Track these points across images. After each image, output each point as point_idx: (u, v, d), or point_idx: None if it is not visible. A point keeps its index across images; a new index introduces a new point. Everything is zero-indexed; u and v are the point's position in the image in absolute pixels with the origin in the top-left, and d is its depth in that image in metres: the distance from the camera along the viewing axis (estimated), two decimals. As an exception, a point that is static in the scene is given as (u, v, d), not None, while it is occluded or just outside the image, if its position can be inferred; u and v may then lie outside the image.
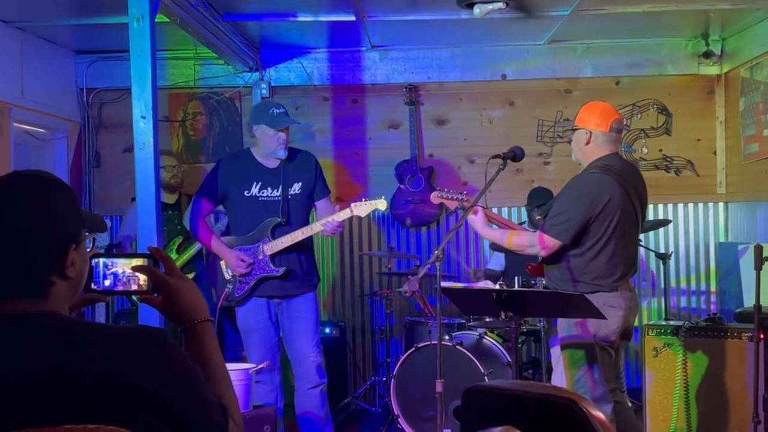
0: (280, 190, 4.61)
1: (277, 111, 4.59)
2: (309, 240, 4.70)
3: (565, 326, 3.90)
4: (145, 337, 1.54)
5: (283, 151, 4.61)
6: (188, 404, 1.54)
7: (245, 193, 4.62)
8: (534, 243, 3.85)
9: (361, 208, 4.52)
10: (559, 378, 4.83)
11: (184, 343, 1.75)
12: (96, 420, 1.40)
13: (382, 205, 4.52)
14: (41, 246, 1.55)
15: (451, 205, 4.05)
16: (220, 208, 4.94)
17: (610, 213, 3.76)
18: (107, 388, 1.46)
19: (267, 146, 4.61)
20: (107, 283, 1.75)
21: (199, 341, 1.75)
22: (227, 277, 4.66)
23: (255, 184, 4.62)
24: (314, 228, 4.53)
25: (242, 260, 4.56)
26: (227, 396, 1.70)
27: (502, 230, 4.10)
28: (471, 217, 3.96)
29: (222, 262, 4.68)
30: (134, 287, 1.76)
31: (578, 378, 3.83)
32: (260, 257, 4.57)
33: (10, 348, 1.48)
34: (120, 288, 1.76)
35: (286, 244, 4.54)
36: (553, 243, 3.79)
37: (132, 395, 1.47)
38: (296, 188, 4.64)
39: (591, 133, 3.91)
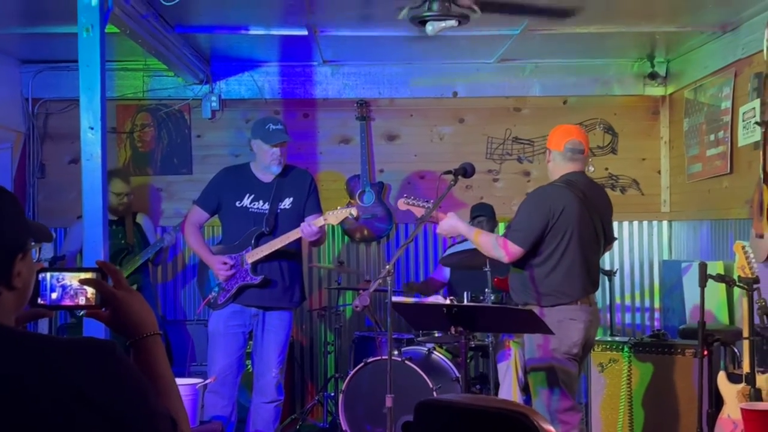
0: (269, 203, 4.67)
1: (274, 127, 4.69)
2: (296, 252, 4.79)
3: (528, 347, 3.97)
4: (94, 348, 1.52)
5: (276, 167, 4.70)
6: (138, 417, 1.52)
7: (237, 203, 4.73)
8: (498, 246, 3.94)
9: (334, 215, 4.58)
10: (506, 393, 4.88)
11: (133, 357, 1.72)
12: (42, 431, 1.36)
13: (354, 211, 4.61)
14: (-13, 256, 1.51)
15: (417, 212, 4.11)
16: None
17: (565, 224, 3.87)
18: (54, 398, 1.42)
19: (262, 161, 4.72)
20: (54, 296, 1.71)
21: (148, 355, 1.72)
22: (213, 284, 4.73)
23: (247, 195, 4.73)
24: (290, 236, 4.57)
25: (224, 263, 4.62)
26: (177, 410, 1.68)
27: (470, 227, 4.19)
28: (441, 218, 4.05)
29: (210, 271, 4.74)
30: (82, 301, 1.72)
31: (545, 394, 3.88)
32: (242, 266, 4.63)
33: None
34: (67, 302, 1.72)
35: (266, 252, 4.60)
36: (514, 249, 3.89)
37: (80, 406, 1.44)
38: (287, 203, 4.73)
39: (550, 152, 4.13)
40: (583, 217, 3.92)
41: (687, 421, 4.56)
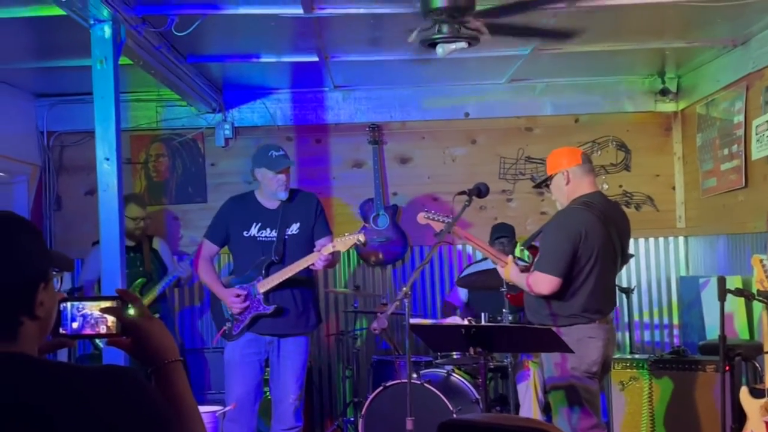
0: (277, 230, 4.66)
1: (276, 154, 4.70)
2: (308, 278, 4.76)
3: (547, 367, 3.94)
4: (117, 375, 1.52)
5: (283, 193, 4.70)
6: (161, 445, 1.52)
7: (244, 233, 4.72)
8: (537, 282, 3.88)
9: (343, 242, 4.56)
10: (527, 413, 4.85)
11: (155, 384, 1.72)
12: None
13: (362, 237, 4.58)
14: (10, 286, 1.52)
15: (437, 227, 4.09)
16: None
17: (590, 247, 3.84)
18: (77, 426, 1.43)
19: (268, 188, 4.72)
20: (75, 325, 1.72)
21: (171, 382, 1.72)
22: (227, 316, 4.71)
23: (254, 224, 4.72)
24: (301, 264, 4.56)
25: (237, 296, 4.61)
26: (199, 436, 1.68)
27: (524, 275, 4.06)
28: (501, 268, 4.02)
29: (222, 302, 4.73)
30: (103, 330, 1.73)
31: (566, 413, 3.85)
32: (255, 296, 4.63)
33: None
34: (88, 331, 1.73)
35: (277, 281, 4.59)
36: (552, 280, 3.83)
37: (105, 436, 1.44)
38: (294, 228, 4.71)
39: (567, 171, 4.04)
40: (605, 238, 3.90)
41: (710, 437, 4.52)
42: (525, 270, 4.03)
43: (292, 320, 4.68)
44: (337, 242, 4.57)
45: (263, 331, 4.68)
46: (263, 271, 4.64)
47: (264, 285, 4.61)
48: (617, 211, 4.16)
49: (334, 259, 4.64)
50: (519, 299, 4.25)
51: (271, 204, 4.75)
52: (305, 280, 4.75)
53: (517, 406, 5.03)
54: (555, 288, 3.85)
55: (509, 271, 4.03)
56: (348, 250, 6.22)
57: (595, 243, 3.85)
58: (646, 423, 4.71)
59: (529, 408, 4.93)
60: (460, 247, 6.45)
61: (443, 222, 4.08)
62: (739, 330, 5.19)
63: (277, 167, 4.65)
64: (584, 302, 3.86)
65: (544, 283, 3.85)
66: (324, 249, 4.54)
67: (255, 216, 4.74)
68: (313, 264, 4.55)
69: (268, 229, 4.71)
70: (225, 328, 4.72)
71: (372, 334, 6.22)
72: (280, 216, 4.72)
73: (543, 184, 4.20)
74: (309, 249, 4.65)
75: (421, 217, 4.21)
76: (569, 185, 4.04)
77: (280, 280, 4.59)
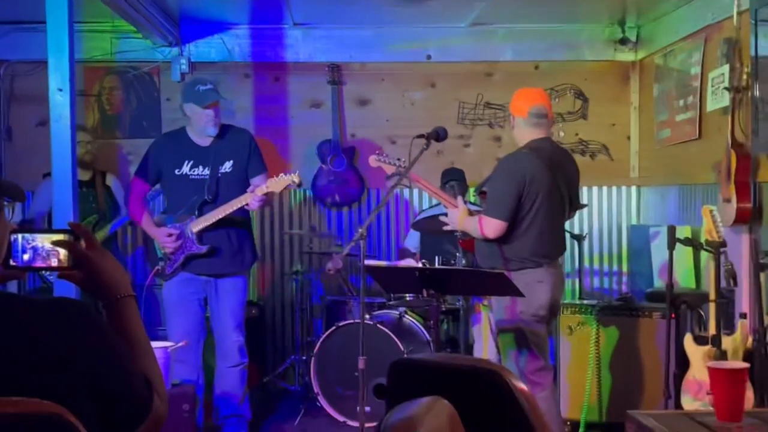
0: (209, 168, 4.57)
1: (204, 88, 4.56)
2: (243, 217, 4.70)
3: (497, 310, 4.00)
4: (68, 308, 1.51)
5: (213, 128, 4.59)
6: (113, 377, 1.52)
7: (176, 171, 4.61)
8: (484, 226, 3.92)
9: (276, 183, 4.46)
10: (479, 353, 4.94)
11: (107, 319, 1.72)
12: (18, 392, 1.36)
13: (296, 178, 4.47)
14: (-41, 215, 1.50)
15: (388, 169, 4.09)
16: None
17: (534, 191, 3.89)
18: (29, 358, 1.42)
19: (197, 124, 4.60)
20: (26, 258, 1.70)
21: (123, 316, 1.72)
22: (159, 255, 4.65)
23: (186, 162, 4.61)
24: (235, 204, 4.49)
25: (169, 235, 4.54)
26: (152, 370, 1.69)
27: (474, 218, 4.09)
28: (451, 210, 4.03)
29: (155, 242, 4.67)
30: (54, 263, 1.72)
31: (515, 355, 3.93)
32: (188, 235, 4.55)
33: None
34: (40, 263, 1.71)
35: (210, 221, 4.52)
36: (498, 224, 3.88)
37: (55, 367, 1.44)
38: (227, 166, 4.62)
39: (513, 118, 4.11)
40: (550, 183, 3.94)
41: (653, 382, 4.65)
42: (476, 214, 4.07)
43: (226, 260, 4.62)
44: (270, 183, 4.46)
45: (199, 271, 4.63)
46: (196, 211, 4.56)
47: (197, 224, 4.53)
48: (565, 158, 4.20)
49: (268, 199, 4.54)
50: (470, 244, 4.29)
51: (202, 141, 4.64)
52: (240, 220, 4.67)
53: (468, 348, 5.11)
54: (501, 231, 3.91)
55: (459, 215, 4.06)
56: (305, 192, 6.25)
57: (540, 187, 3.90)
58: (592, 367, 4.82)
59: (482, 350, 5.02)
60: (416, 191, 6.47)
61: (395, 165, 4.08)
62: (686, 280, 5.31)
63: (204, 102, 4.53)
64: (531, 246, 3.92)
65: (490, 226, 3.91)
66: (258, 190, 4.45)
67: (186, 154, 4.62)
68: (247, 204, 4.49)
69: (201, 167, 4.60)
70: (158, 267, 4.65)
71: (326, 275, 6.24)
72: (213, 153, 4.61)
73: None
74: (243, 187, 4.56)
75: (373, 160, 4.21)
76: (514, 131, 4.12)
77: (214, 220, 4.51)
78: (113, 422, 1.52)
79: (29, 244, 1.70)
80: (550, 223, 3.97)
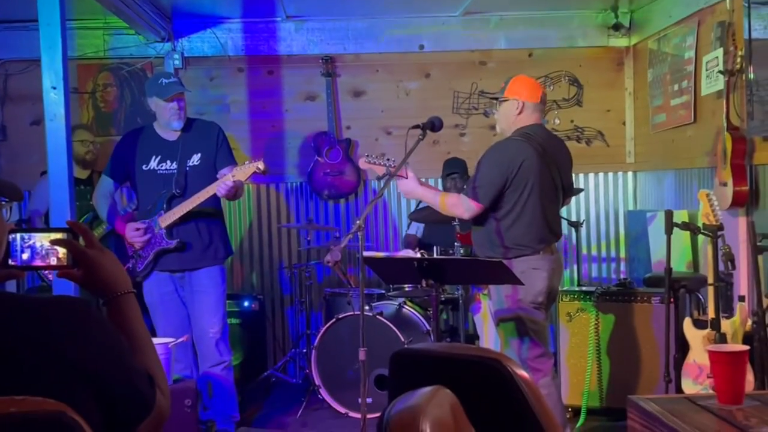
0: (177, 162, 4.52)
1: (166, 81, 4.50)
2: (214, 210, 4.62)
3: (496, 299, 4.00)
4: (69, 306, 1.51)
5: (177, 122, 4.52)
6: (115, 374, 1.52)
7: (144, 167, 4.54)
8: (458, 204, 3.95)
9: (242, 171, 4.36)
10: (482, 344, 4.94)
11: (108, 316, 1.72)
12: (21, 391, 1.36)
13: (261, 165, 4.36)
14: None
15: (379, 170, 4.07)
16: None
17: (525, 177, 3.88)
18: (32, 357, 1.42)
19: (162, 118, 4.54)
20: (25, 257, 1.70)
21: (123, 313, 1.73)
22: (129, 253, 4.58)
23: (154, 157, 4.54)
24: (202, 195, 4.40)
25: (137, 229, 4.47)
26: (154, 367, 1.69)
27: (434, 191, 4.15)
28: (402, 180, 4.00)
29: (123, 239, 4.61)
30: (53, 261, 1.72)
31: (515, 343, 3.93)
32: (156, 231, 4.49)
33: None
34: (38, 262, 1.72)
35: (179, 215, 4.45)
36: (474, 205, 3.89)
37: (57, 365, 1.44)
38: (195, 159, 4.54)
39: (523, 103, 4.05)
40: (542, 169, 3.93)
41: (653, 367, 4.66)
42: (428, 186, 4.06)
43: (197, 254, 4.54)
44: (236, 171, 4.36)
45: (171, 267, 4.55)
46: (165, 205, 4.49)
47: (165, 219, 4.46)
48: (558, 145, 4.18)
49: (236, 187, 4.41)
50: (468, 238, 4.30)
51: (170, 135, 4.57)
52: (211, 212, 4.60)
53: (468, 338, 5.13)
54: (475, 214, 3.93)
55: (411, 183, 4.02)
56: (301, 183, 6.24)
57: (530, 173, 3.89)
58: (591, 353, 4.83)
59: (483, 339, 5.04)
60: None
61: (384, 165, 4.05)
62: (684, 264, 5.32)
63: (167, 93, 4.45)
64: (525, 233, 3.91)
65: (464, 205, 3.92)
66: (224, 178, 4.37)
67: (154, 149, 4.55)
68: (218, 194, 4.40)
69: (168, 162, 4.53)
70: (129, 265, 4.55)
71: (325, 268, 6.25)
72: (180, 147, 4.54)
73: (495, 100, 4.18)
74: (212, 180, 4.48)
75: (362, 162, 4.17)
76: (520, 116, 4.05)
77: (182, 213, 4.44)
78: (116, 419, 1.52)
79: (27, 243, 1.70)
80: (543, 209, 3.96)
